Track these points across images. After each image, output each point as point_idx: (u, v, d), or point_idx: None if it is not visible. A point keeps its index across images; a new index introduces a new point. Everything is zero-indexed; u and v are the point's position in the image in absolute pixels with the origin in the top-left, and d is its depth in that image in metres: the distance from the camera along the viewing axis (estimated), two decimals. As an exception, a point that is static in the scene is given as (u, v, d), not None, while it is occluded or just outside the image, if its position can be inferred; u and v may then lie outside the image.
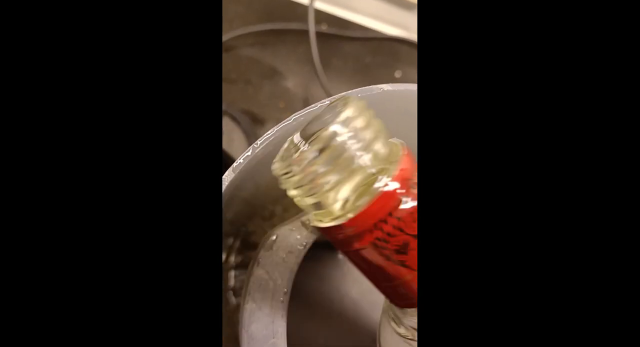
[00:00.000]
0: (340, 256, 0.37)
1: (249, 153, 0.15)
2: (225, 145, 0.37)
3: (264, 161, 0.16)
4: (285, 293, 0.20)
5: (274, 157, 0.14)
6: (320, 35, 0.42)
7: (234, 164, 0.15)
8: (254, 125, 0.38)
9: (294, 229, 0.21)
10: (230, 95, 0.40)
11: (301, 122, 0.16)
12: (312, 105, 0.15)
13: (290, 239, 0.21)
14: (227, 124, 0.38)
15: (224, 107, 0.38)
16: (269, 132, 0.15)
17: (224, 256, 0.28)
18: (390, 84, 0.17)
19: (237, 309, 0.23)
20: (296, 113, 0.15)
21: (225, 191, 0.15)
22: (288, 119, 0.15)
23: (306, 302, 0.35)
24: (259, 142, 0.15)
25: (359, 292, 0.36)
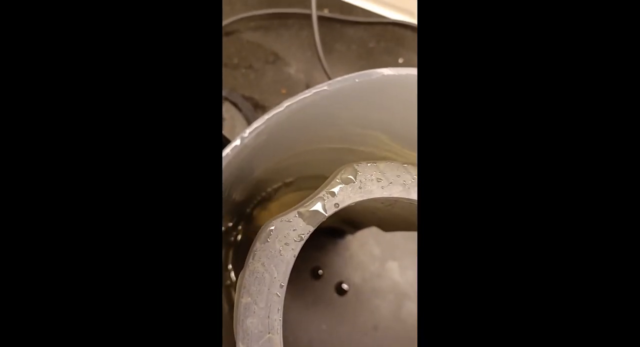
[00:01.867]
0: (342, 242, 0.36)
1: (237, 143, 0.14)
2: (227, 133, 0.36)
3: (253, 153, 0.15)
4: (281, 287, 0.19)
5: (265, 147, 0.12)
6: (323, 19, 0.40)
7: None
8: (255, 112, 0.36)
9: (290, 220, 0.19)
10: (232, 81, 0.38)
11: (293, 109, 0.14)
12: (305, 91, 0.14)
13: (286, 231, 0.19)
14: (228, 110, 0.37)
15: (225, 93, 0.36)
16: (258, 120, 0.14)
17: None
18: (391, 68, 0.15)
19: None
20: (287, 100, 0.14)
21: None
22: (279, 106, 0.14)
23: (309, 289, 0.34)
24: (247, 132, 0.14)
25: (361, 278, 0.35)
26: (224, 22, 0.39)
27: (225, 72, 0.38)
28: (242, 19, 0.40)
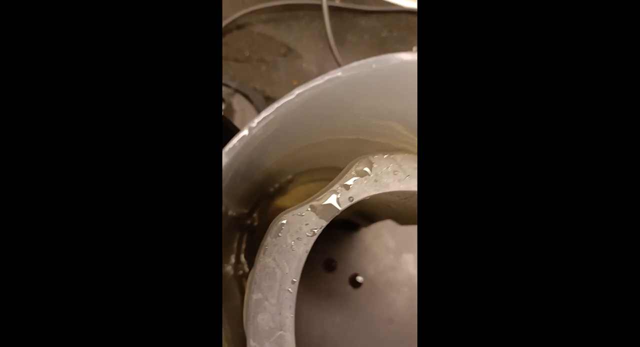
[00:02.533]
0: (356, 235, 0.35)
1: (245, 133, 0.13)
2: (238, 124, 0.35)
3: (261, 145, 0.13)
4: (293, 283, 0.18)
5: (275, 138, 0.11)
6: (334, 9, 0.39)
7: (226, 148, 0.12)
8: (266, 104, 0.35)
9: (303, 214, 0.18)
10: (243, 74, 0.37)
11: (305, 98, 0.13)
12: (317, 78, 0.13)
13: (298, 226, 0.18)
14: (239, 102, 0.36)
15: (235, 85, 0.35)
16: (268, 109, 0.12)
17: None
18: (410, 54, 0.14)
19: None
20: (298, 87, 0.13)
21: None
22: (290, 94, 0.13)
23: (322, 282, 0.33)
24: (256, 122, 0.12)
25: (376, 270, 0.34)
26: (235, 16, 0.38)
27: (236, 65, 0.37)
28: (252, 12, 0.39)
